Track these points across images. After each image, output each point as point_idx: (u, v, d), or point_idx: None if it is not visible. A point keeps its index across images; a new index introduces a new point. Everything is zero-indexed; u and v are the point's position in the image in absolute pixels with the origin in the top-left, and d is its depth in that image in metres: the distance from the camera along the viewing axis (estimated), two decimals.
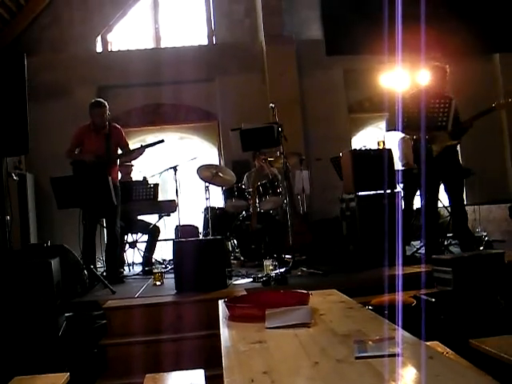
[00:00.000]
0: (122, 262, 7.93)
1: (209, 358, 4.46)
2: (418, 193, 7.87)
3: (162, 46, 11.34)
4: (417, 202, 7.88)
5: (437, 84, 6.65)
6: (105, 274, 6.76)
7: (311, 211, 9.33)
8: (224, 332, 2.46)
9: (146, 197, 8.25)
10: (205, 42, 11.36)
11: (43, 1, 10.60)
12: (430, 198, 6.68)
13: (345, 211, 7.48)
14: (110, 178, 6.28)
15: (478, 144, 6.82)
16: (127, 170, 8.47)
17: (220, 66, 10.71)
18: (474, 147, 6.73)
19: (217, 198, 8.70)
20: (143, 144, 7.00)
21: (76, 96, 9.92)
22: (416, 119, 6.17)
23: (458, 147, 7.00)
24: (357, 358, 1.88)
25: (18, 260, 5.05)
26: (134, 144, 8.39)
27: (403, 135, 7.91)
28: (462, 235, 6.84)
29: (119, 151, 7.03)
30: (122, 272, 7.57)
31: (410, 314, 4.26)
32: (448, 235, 7.30)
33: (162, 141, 7.02)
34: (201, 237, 8.32)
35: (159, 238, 8.20)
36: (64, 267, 5.22)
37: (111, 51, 11.24)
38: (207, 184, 7.88)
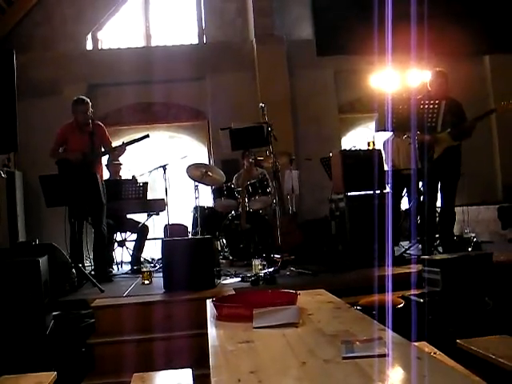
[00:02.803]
0: (111, 261, 7.90)
1: (198, 357, 4.44)
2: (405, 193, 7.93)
3: (153, 44, 11.32)
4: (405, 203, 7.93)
5: (440, 88, 6.72)
6: (93, 272, 6.74)
7: (300, 211, 9.34)
8: (212, 331, 2.46)
9: (135, 195, 8.22)
10: (195, 40, 11.35)
11: None
12: (430, 198, 6.73)
13: (334, 211, 7.49)
14: (98, 176, 6.28)
15: (466, 145, 6.85)
16: (116, 169, 8.44)
17: (210, 65, 10.70)
18: (463, 148, 6.75)
19: (206, 197, 8.69)
20: (125, 141, 6.94)
21: (66, 94, 9.86)
22: (405, 120, 6.20)
23: None
24: (344, 358, 1.88)
25: (6, 258, 5.02)
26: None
27: (389, 136, 7.97)
28: (445, 237, 6.89)
29: (102, 149, 6.99)
30: (111, 271, 7.55)
31: (399, 314, 4.28)
32: (437, 236, 7.33)
33: (147, 136, 6.91)
34: (190, 236, 8.30)
35: (148, 237, 8.18)
36: (52, 266, 5.20)
37: (102, 49, 11.22)
38: (196, 183, 7.88)
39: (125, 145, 6.83)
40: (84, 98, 6.95)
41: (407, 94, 6.93)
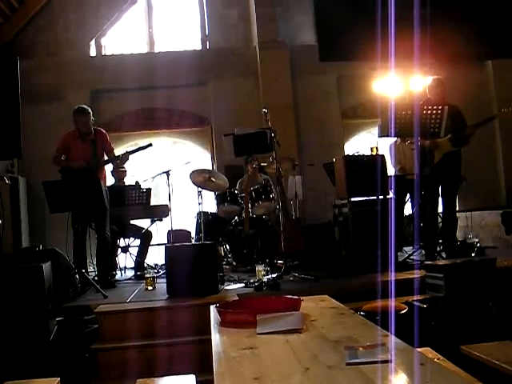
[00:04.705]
0: (114, 267, 7.89)
1: (201, 363, 4.45)
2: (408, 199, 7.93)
3: (156, 50, 11.32)
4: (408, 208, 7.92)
5: (439, 96, 6.76)
6: (96, 278, 6.74)
7: (304, 216, 9.32)
8: (215, 337, 2.45)
9: (139, 201, 8.22)
10: (198, 46, 11.36)
11: (37, 4, 10.58)
12: (431, 204, 6.73)
13: (337, 217, 7.48)
14: (101, 181, 6.29)
15: (470, 151, 6.87)
16: (121, 176, 8.45)
17: (213, 70, 10.71)
18: (467, 154, 6.76)
19: (209, 202, 8.68)
20: (128, 150, 6.94)
21: (69, 100, 9.88)
22: (408, 126, 6.20)
23: None
24: (348, 364, 1.88)
25: (10, 264, 5.03)
26: (125, 149, 8.34)
27: (395, 140, 7.96)
28: (447, 243, 6.89)
29: (104, 157, 7.00)
30: (114, 276, 7.55)
31: (402, 320, 4.27)
32: (440, 241, 7.32)
33: (150, 145, 6.93)
34: (193, 242, 8.30)
35: (151, 243, 8.18)
36: (56, 271, 5.20)
37: (105, 55, 11.23)
38: (200, 189, 7.87)
39: (128, 154, 6.84)
40: (85, 107, 6.94)
41: (410, 100, 6.95)
